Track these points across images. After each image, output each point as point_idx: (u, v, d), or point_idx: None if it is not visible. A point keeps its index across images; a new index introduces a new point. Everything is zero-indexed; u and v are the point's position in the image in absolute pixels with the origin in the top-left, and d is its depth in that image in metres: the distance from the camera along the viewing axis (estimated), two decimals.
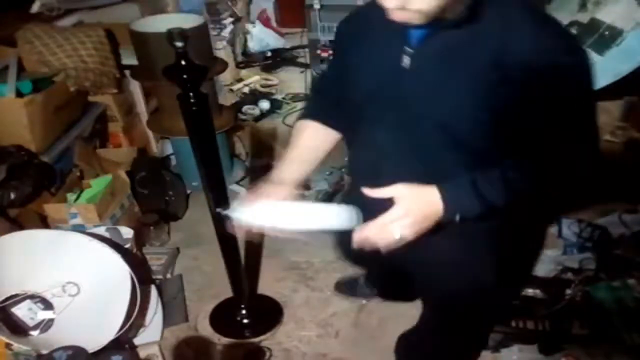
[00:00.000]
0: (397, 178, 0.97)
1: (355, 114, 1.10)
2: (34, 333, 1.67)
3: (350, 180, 1.21)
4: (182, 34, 1.38)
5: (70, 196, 2.23)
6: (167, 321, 2.02)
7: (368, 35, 1.03)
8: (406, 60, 0.96)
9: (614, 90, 2.61)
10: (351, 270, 2.12)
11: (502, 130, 0.93)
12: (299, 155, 1.21)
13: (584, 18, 2.76)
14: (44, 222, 2.15)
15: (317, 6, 3.16)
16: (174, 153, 2.80)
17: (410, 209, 0.93)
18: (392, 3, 0.83)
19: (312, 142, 1.22)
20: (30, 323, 1.69)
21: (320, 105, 1.26)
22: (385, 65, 0.99)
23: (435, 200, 0.94)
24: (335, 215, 1.02)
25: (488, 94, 0.89)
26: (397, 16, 0.86)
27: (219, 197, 1.70)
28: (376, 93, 1.02)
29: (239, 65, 3.91)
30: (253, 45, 4.07)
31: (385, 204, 0.95)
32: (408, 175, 0.98)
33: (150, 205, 2.49)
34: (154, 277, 2.17)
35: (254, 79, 3.82)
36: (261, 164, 2.98)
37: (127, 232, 2.12)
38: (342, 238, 1.60)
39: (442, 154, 0.98)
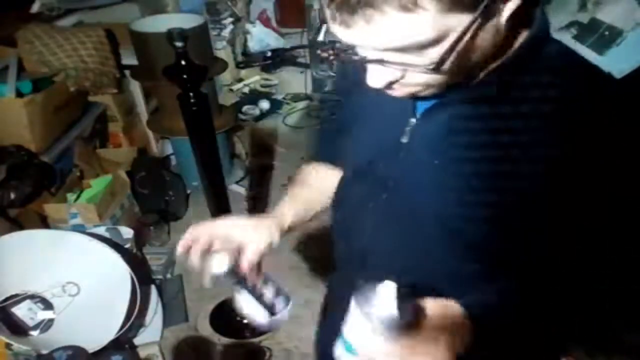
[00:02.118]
0: (382, 266, 0.82)
1: (345, 181, 0.90)
2: (34, 333, 1.67)
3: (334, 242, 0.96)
4: (182, 34, 1.38)
5: (70, 196, 2.23)
6: (167, 321, 2.02)
7: (373, 93, 0.78)
8: (406, 135, 0.75)
9: None
10: None
11: (509, 237, 0.71)
12: (302, 194, 0.98)
13: (584, 18, 2.76)
14: (44, 222, 2.15)
15: (317, 6, 3.15)
16: (174, 153, 2.80)
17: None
18: (379, 83, 0.62)
19: (321, 182, 0.98)
20: (30, 323, 1.69)
21: (333, 146, 0.97)
22: (384, 138, 0.78)
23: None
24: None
25: (498, 190, 0.68)
26: (398, 93, 0.65)
27: (219, 197, 1.70)
28: (368, 169, 0.81)
29: (239, 65, 3.90)
30: (253, 45, 4.06)
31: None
32: (395, 269, 0.76)
33: (150, 205, 2.49)
34: (154, 277, 2.17)
35: (254, 79, 3.82)
36: (261, 164, 2.98)
37: (127, 232, 2.12)
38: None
39: (436, 248, 0.77)
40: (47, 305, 1.73)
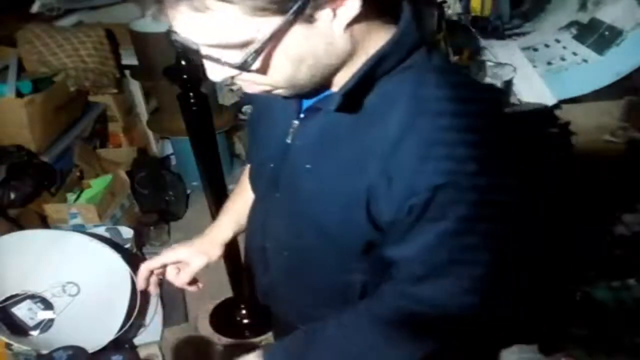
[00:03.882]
0: (276, 265, 0.87)
1: (250, 180, 0.93)
2: (34, 333, 1.67)
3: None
4: None
5: (70, 196, 2.23)
6: (167, 321, 2.02)
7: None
8: (290, 136, 0.74)
9: (614, 90, 2.61)
10: None
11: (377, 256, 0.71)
12: (236, 210, 1.00)
13: (584, 18, 2.77)
14: (44, 222, 2.15)
15: None
16: (174, 153, 2.80)
17: None
18: (215, 77, 0.62)
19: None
20: (30, 323, 1.69)
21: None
22: (274, 138, 0.78)
23: None
24: None
25: (364, 208, 0.66)
26: (249, 89, 0.66)
27: (219, 197, 1.70)
28: (262, 169, 0.82)
29: None
30: None
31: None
32: (283, 269, 0.86)
33: (150, 205, 2.49)
34: None
35: None
36: None
37: (127, 232, 2.12)
38: None
39: (315, 253, 0.78)
40: (47, 305, 1.73)
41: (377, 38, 0.62)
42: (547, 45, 2.77)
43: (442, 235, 0.63)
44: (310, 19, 0.55)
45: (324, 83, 0.65)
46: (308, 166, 0.71)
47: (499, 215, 0.65)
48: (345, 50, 0.61)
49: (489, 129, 0.64)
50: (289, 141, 0.74)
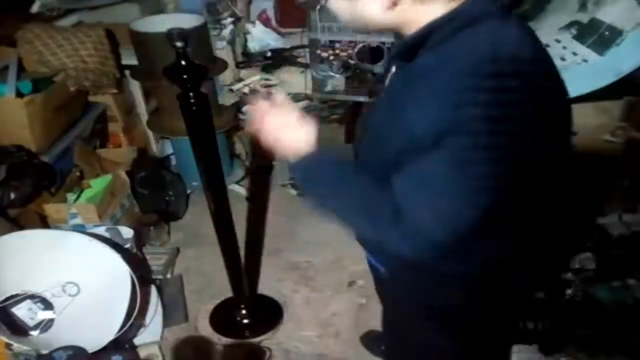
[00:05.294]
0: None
1: None
2: (34, 333, 1.67)
3: None
4: (182, 34, 1.37)
5: (70, 196, 2.23)
6: (167, 321, 2.02)
7: None
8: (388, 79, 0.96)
9: (614, 90, 2.61)
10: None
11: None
12: None
13: (584, 18, 2.76)
14: (44, 222, 2.15)
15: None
16: (174, 153, 2.80)
17: (285, 136, 0.95)
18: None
19: None
20: (30, 323, 1.69)
21: None
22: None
23: (298, 147, 0.94)
24: None
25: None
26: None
27: (219, 197, 1.70)
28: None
29: (239, 65, 3.90)
30: (253, 45, 4.06)
31: None
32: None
33: (150, 205, 2.49)
34: (154, 277, 2.17)
35: (254, 79, 3.82)
36: (261, 164, 2.98)
37: (127, 232, 2.12)
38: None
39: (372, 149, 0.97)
40: (47, 305, 1.73)
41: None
42: (547, 45, 2.76)
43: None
44: None
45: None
46: (383, 95, 0.94)
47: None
48: (397, 21, 0.83)
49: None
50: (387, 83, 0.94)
